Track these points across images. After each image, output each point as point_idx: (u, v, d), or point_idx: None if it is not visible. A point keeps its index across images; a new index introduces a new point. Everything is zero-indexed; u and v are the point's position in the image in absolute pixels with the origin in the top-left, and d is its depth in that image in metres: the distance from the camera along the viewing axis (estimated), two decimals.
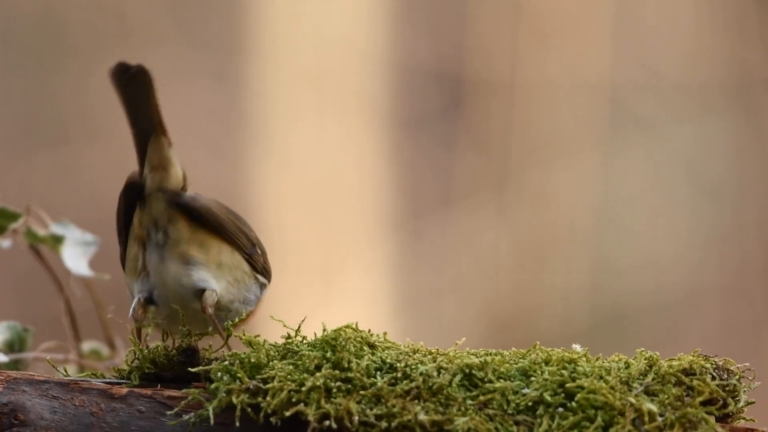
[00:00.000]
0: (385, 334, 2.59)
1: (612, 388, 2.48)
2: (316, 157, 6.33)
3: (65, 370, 2.68)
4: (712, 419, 2.47)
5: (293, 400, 2.47)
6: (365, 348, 2.53)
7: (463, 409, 2.48)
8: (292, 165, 6.31)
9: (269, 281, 2.71)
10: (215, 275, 2.62)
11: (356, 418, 2.46)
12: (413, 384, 2.49)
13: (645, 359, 2.53)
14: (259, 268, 2.68)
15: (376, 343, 2.55)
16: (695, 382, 2.50)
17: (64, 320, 3.26)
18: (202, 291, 2.61)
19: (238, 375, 2.49)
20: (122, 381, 2.58)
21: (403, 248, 6.33)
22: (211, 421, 2.49)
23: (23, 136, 6.30)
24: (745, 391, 2.53)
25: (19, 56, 6.29)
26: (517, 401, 2.48)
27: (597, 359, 2.54)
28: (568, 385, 2.48)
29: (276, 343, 2.56)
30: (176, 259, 2.60)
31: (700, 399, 2.49)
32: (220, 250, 2.62)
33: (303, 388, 2.47)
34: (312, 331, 2.57)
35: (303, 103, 6.34)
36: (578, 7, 6.42)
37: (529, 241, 6.35)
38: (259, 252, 2.68)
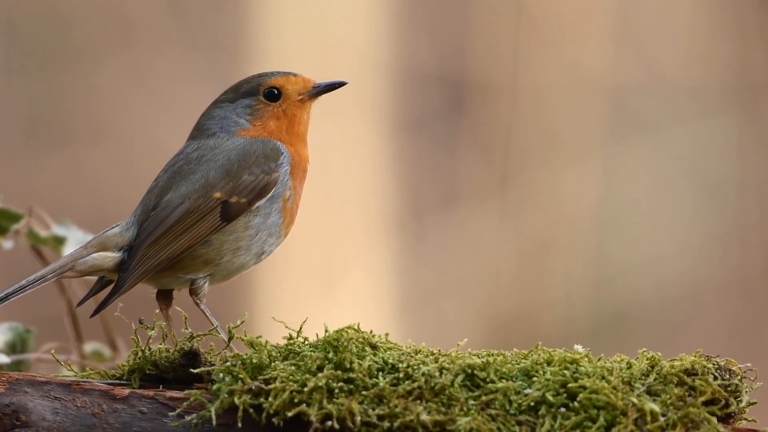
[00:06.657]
0: (387, 334, 2.59)
1: (614, 388, 2.48)
2: (318, 159, 6.30)
3: (69, 365, 2.68)
4: (714, 419, 2.47)
5: (295, 400, 2.47)
6: (367, 349, 2.53)
7: (465, 409, 2.48)
8: None
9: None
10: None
11: (358, 418, 2.46)
12: (415, 384, 2.49)
13: (647, 359, 2.53)
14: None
15: (378, 344, 2.55)
16: (697, 382, 2.50)
17: (66, 321, 3.26)
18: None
19: (240, 376, 2.49)
20: (124, 382, 2.58)
21: (405, 249, 6.32)
22: (213, 422, 2.49)
23: (26, 137, 6.31)
24: (747, 391, 2.53)
25: (23, 58, 6.29)
26: (519, 401, 2.49)
27: (599, 359, 2.54)
28: (570, 385, 2.48)
29: (278, 344, 2.56)
30: None
31: (702, 399, 2.49)
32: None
33: (305, 389, 2.48)
34: (314, 332, 2.57)
35: None
36: (579, 9, 6.41)
37: (531, 241, 6.34)
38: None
